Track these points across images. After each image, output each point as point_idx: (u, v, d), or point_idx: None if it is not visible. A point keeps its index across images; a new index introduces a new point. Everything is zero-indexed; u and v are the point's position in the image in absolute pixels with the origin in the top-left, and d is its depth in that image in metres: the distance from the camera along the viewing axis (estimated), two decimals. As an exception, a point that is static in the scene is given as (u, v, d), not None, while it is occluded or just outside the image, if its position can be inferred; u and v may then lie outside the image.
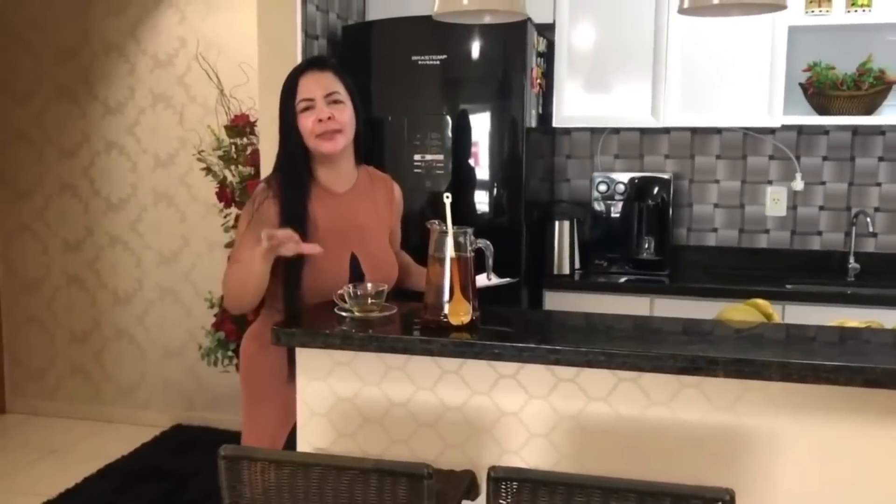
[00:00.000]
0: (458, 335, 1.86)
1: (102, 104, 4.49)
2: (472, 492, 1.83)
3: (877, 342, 1.87)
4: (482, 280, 2.01)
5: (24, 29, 4.53)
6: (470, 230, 1.94)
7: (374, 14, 3.70)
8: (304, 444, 1.99)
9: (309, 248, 2.01)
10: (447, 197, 1.99)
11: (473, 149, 3.30)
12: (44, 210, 4.64)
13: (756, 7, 1.70)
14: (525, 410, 1.85)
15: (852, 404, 1.67)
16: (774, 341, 1.92)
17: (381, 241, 2.29)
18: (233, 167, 3.83)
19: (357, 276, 2.16)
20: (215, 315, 3.85)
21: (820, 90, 3.39)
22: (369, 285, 2.03)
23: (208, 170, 3.82)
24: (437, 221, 1.97)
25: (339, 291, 2.03)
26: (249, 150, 3.83)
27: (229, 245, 3.85)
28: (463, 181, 3.30)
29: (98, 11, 4.42)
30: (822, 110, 3.44)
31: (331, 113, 2.12)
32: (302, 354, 1.98)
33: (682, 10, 1.77)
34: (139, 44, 4.39)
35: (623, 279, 3.50)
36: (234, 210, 3.84)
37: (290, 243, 1.97)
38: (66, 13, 4.46)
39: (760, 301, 2.10)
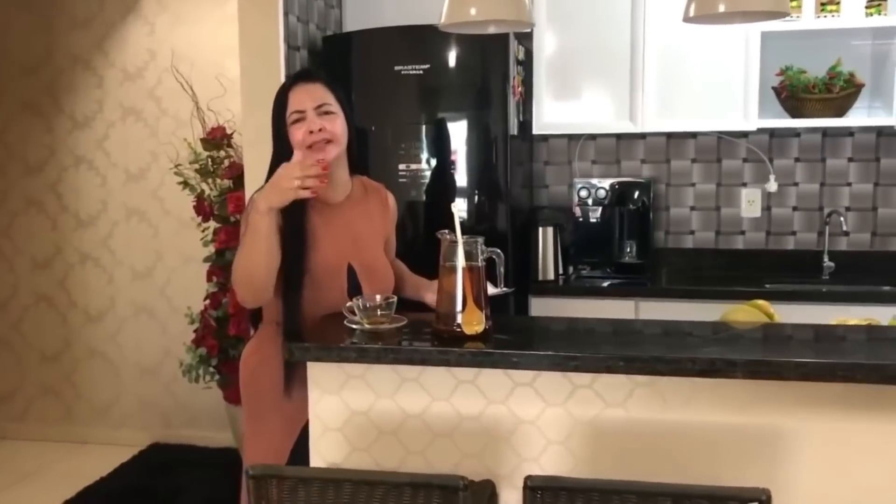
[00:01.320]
0: (473, 345, 1.86)
1: (69, 118, 4.40)
2: (493, 501, 1.83)
3: (881, 339, 1.92)
4: (490, 290, 2.01)
5: (-16, 43, 4.42)
6: (480, 239, 1.94)
7: (351, 25, 3.69)
8: (318, 460, 1.97)
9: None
10: (455, 206, 2.00)
11: (457, 157, 3.31)
12: (8, 227, 4.52)
13: (759, 14, 1.74)
14: (542, 418, 1.86)
15: (868, 401, 1.71)
16: (785, 341, 1.95)
17: (377, 252, 2.29)
18: (210, 180, 3.78)
19: (354, 287, 2.15)
20: (195, 331, 3.79)
21: (793, 94, 3.47)
22: (378, 297, 2.02)
23: (185, 184, 3.77)
24: (447, 231, 1.97)
25: (348, 304, 2.02)
26: (227, 162, 3.78)
27: (207, 259, 3.80)
28: (447, 189, 3.31)
29: (62, 25, 4.34)
30: (795, 113, 3.52)
31: (322, 124, 2.12)
32: (314, 368, 1.96)
33: (686, 19, 1.80)
34: (107, 56, 4.32)
35: (607, 283, 3.54)
36: (212, 224, 3.79)
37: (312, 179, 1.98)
38: (28, 28, 4.37)
39: (761, 301, 2.15)
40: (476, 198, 3.30)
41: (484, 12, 1.81)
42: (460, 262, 1.91)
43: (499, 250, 1.96)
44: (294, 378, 2.07)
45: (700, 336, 1.95)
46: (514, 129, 3.34)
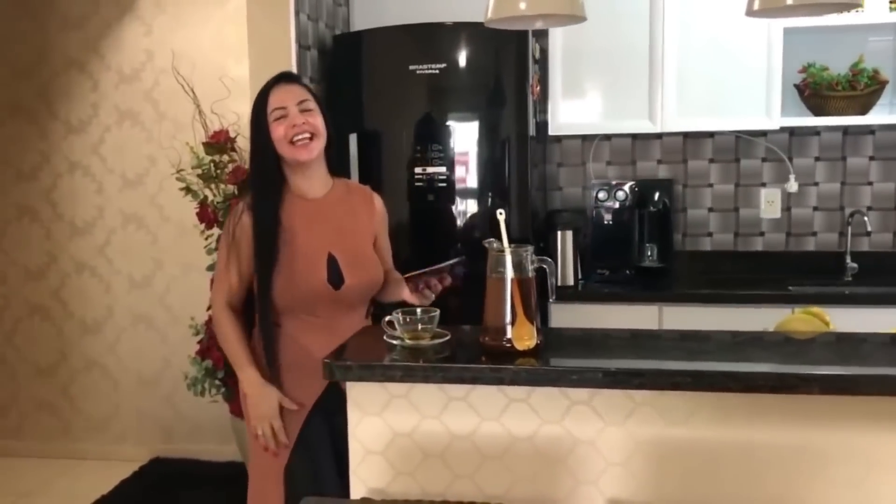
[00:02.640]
0: (526, 361, 1.75)
1: (63, 123, 4.23)
2: (549, 528, 1.72)
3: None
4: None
5: (-28, 47, 4.26)
6: (530, 248, 1.83)
7: (359, 23, 3.57)
8: (359, 486, 1.85)
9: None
10: (500, 213, 1.89)
11: (475, 159, 3.20)
12: (1, 237, 4.36)
13: (829, 7, 1.65)
14: (601, 438, 1.75)
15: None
16: (858, 352, 1.85)
17: (362, 242, 2.28)
18: (213, 186, 3.64)
19: (335, 275, 2.17)
20: (199, 342, 3.65)
21: (816, 91, 3.40)
22: (419, 311, 1.91)
23: (188, 189, 3.63)
24: (492, 240, 1.86)
25: (387, 318, 1.90)
26: (231, 167, 3.65)
27: (211, 267, 3.66)
28: (466, 193, 3.20)
29: (55, 26, 4.18)
30: (818, 111, 3.44)
31: (304, 119, 2.14)
32: (353, 389, 1.84)
33: (749, 13, 1.70)
34: (102, 58, 4.16)
35: (628, 288, 3.44)
36: (216, 231, 3.65)
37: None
38: (19, 29, 4.20)
39: (816, 309, 2.05)
40: (496, 201, 3.19)
41: (534, 6, 1.69)
42: (509, 272, 1.80)
43: (549, 259, 1.85)
44: (274, 364, 2.19)
45: (768, 349, 1.84)
46: (532, 129, 3.23)
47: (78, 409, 4.41)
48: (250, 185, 2.25)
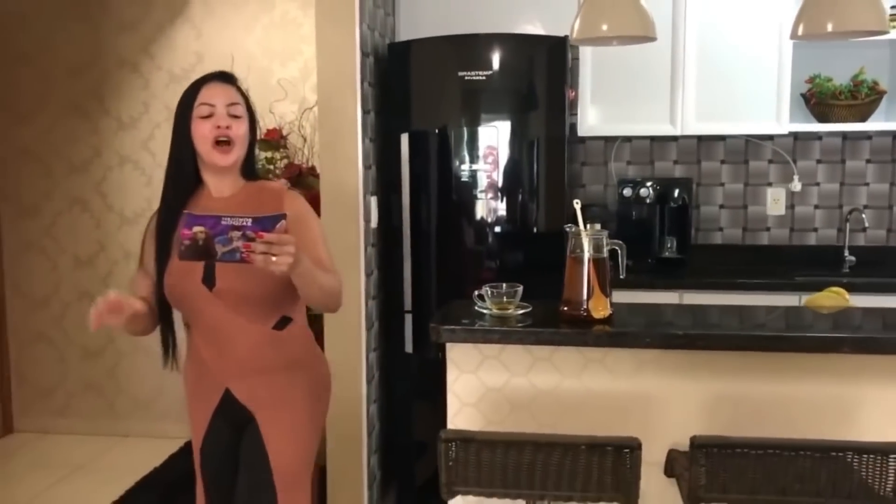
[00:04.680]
0: (602, 327, 2.07)
1: (115, 119, 4.50)
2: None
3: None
4: None
5: (30, 48, 4.50)
6: (605, 232, 2.15)
7: (404, 32, 3.87)
8: (456, 433, 2.16)
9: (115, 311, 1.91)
10: (577, 203, 2.21)
11: (515, 158, 3.51)
12: (51, 227, 4.61)
13: (862, 32, 1.98)
14: (667, 392, 2.08)
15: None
16: (878, 323, 2.19)
17: None
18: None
19: (210, 275, 2.02)
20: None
21: (821, 100, 3.75)
22: (504, 285, 2.23)
23: (243, 183, 3.91)
24: (571, 225, 2.18)
25: (477, 292, 2.22)
26: (284, 163, 3.94)
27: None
28: (508, 189, 3.51)
29: (110, 28, 4.44)
30: (822, 118, 3.79)
31: (229, 123, 2.05)
32: (453, 350, 2.15)
33: (794, 37, 2.03)
34: (153, 59, 4.43)
35: (651, 277, 3.76)
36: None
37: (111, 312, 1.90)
38: (75, 32, 4.46)
39: (838, 288, 2.39)
40: (535, 196, 3.51)
41: (615, 28, 2.01)
42: (587, 252, 2.12)
43: (621, 241, 2.17)
44: (169, 358, 2.15)
45: (803, 318, 2.18)
46: (567, 131, 3.56)
47: (123, 389, 4.67)
48: (168, 175, 2.13)
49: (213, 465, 2.17)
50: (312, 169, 4.12)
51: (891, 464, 1.61)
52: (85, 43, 4.47)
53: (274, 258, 1.78)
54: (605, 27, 2.02)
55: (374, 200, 3.48)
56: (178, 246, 1.86)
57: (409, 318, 3.55)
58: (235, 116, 2.06)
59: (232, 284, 2.00)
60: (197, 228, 1.76)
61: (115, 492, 3.87)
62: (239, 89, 2.14)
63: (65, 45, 4.49)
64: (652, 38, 2.10)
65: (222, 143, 2.04)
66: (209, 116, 2.04)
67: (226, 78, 2.14)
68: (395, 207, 3.54)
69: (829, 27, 1.97)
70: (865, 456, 1.61)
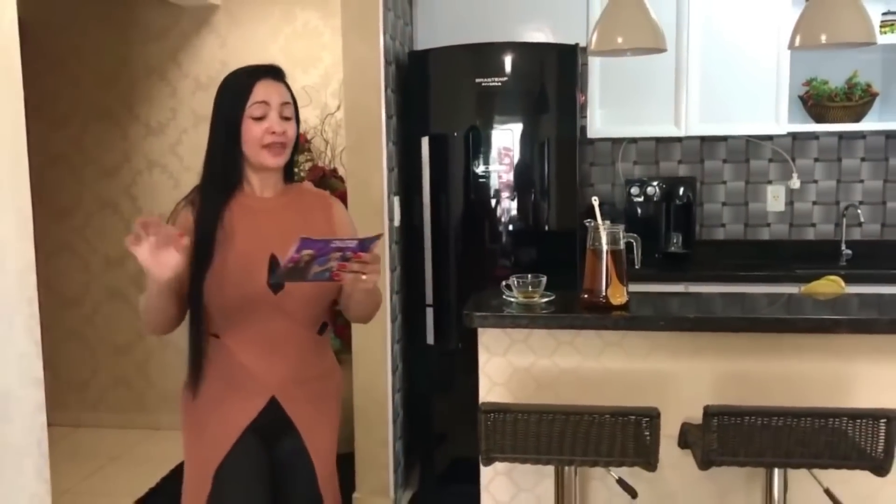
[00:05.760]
0: (620, 313, 2.28)
1: (144, 125, 4.71)
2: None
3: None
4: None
5: (61, 56, 4.71)
6: (621, 227, 2.36)
7: (421, 40, 4.09)
8: (487, 411, 2.37)
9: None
10: (595, 199, 2.42)
11: (530, 159, 3.72)
12: (84, 228, 4.82)
13: (852, 43, 2.20)
14: (678, 371, 2.29)
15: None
16: (872, 307, 2.40)
17: None
18: (292, 182, 4.14)
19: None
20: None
21: (818, 102, 3.96)
22: (529, 276, 2.44)
23: (270, 185, 4.12)
24: (590, 220, 2.39)
25: (505, 282, 2.43)
26: (308, 165, 4.15)
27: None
28: (523, 188, 3.73)
29: (138, 37, 4.65)
30: (818, 119, 4.01)
31: (284, 128, 1.94)
32: (484, 334, 2.37)
33: (791, 47, 2.25)
34: (180, 67, 4.65)
35: (658, 270, 3.98)
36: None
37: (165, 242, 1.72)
38: (105, 40, 4.67)
39: (834, 276, 2.60)
40: (548, 195, 3.72)
41: (630, 41, 2.23)
42: (605, 245, 2.33)
43: (636, 235, 2.38)
44: (199, 375, 1.98)
45: (802, 303, 2.39)
46: (578, 133, 3.77)
47: (152, 383, 4.88)
48: (204, 176, 1.99)
49: (230, 487, 1.96)
50: (335, 171, 4.34)
51: (881, 427, 1.82)
52: (114, 51, 4.68)
53: (364, 277, 1.76)
54: (620, 40, 2.23)
55: (396, 200, 3.69)
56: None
57: (430, 312, 3.76)
58: (287, 118, 1.95)
59: (300, 288, 1.88)
60: (306, 252, 1.66)
61: (151, 480, 4.08)
62: (288, 87, 2.01)
63: (94, 53, 4.70)
64: (663, 50, 2.32)
65: (272, 145, 1.92)
66: (262, 117, 1.91)
67: (278, 74, 2.00)
68: (416, 207, 3.75)
69: (823, 39, 2.18)
70: (859, 421, 1.82)
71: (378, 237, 1.75)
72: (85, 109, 4.75)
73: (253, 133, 1.92)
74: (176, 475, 4.14)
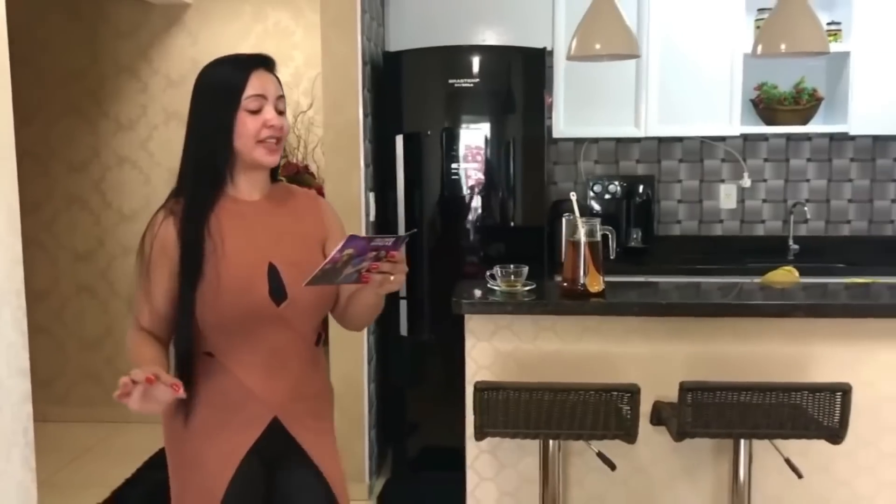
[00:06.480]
0: (598, 300, 2.46)
1: (114, 121, 4.75)
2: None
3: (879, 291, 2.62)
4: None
5: (30, 52, 4.71)
6: (597, 220, 2.53)
7: (393, 42, 4.22)
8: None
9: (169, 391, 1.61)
10: (573, 195, 2.59)
11: (501, 157, 3.89)
12: (52, 223, 4.84)
13: (808, 53, 2.41)
14: (651, 353, 2.47)
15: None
16: (823, 294, 2.62)
17: (307, 251, 1.86)
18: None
19: (277, 287, 1.79)
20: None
21: (768, 105, 4.21)
22: (512, 266, 2.60)
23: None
24: (568, 214, 2.56)
25: (489, 272, 2.58)
26: (283, 161, 4.24)
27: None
28: (494, 186, 3.89)
29: (108, 34, 4.69)
30: (768, 121, 4.25)
31: (281, 122, 1.81)
32: (471, 321, 2.52)
33: (754, 55, 2.45)
34: (151, 64, 4.70)
35: (619, 264, 4.16)
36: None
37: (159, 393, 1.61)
38: (73, 37, 4.70)
39: (789, 267, 2.82)
40: (511, 192, 3.89)
41: (606, 48, 2.40)
42: (583, 237, 2.50)
43: (611, 227, 2.56)
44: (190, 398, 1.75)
45: (763, 291, 2.60)
46: (545, 133, 3.95)
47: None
48: (186, 177, 1.81)
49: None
50: (307, 167, 4.45)
51: (837, 399, 2.02)
52: (83, 48, 4.71)
53: (392, 277, 1.68)
54: (598, 46, 2.40)
55: (372, 196, 3.82)
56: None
57: (403, 304, 3.90)
58: (281, 112, 1.82)
59: (305, 296, 1.77)
60: (347, 251, 1.56)
61: (127, 471, 4.13)
62: (279, 79, 1.87)
63: (64, 50, 4.72)
64: (636, 56, 2.50)
65: (268, 140, 1.77)
66: (258, 111, 1.76)
67: (270, 65, 1.85)
68: (390, 203, 3.89)
69: (783, 48, 2.39)
70: (818, 394, 2.02)
71: (410, 235, 1.70)
72: (52, 106, 4.76)
73: (248, 127, 1.75)
74: (152, 465, 4.21)
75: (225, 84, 1.79)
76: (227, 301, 1.74)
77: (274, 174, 1.90)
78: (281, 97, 1.82)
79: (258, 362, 1.79)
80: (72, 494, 3.93)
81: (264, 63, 1.83)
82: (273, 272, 1.78)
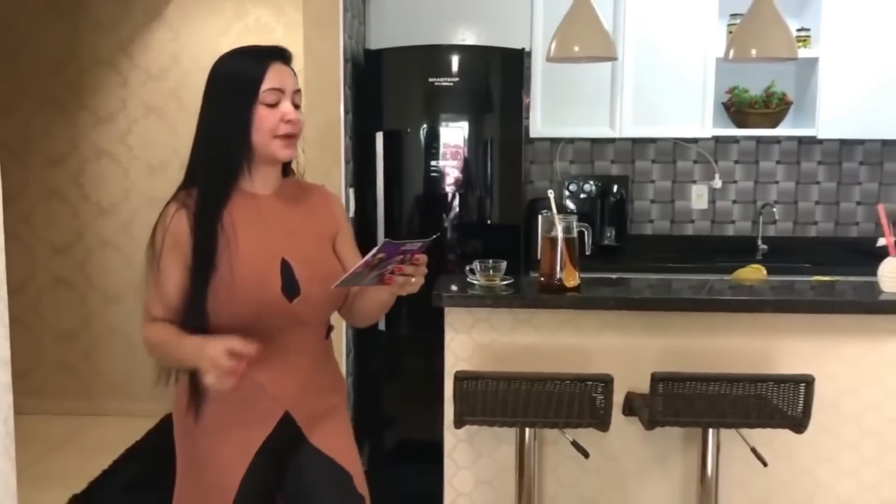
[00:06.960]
0: (574, 294, 2.54)
1: (93, 114, 4.76)
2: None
3: (843, 289, 2.73)
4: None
5: (7, 45, 4.71)
6: (574, 217, 2.61)
7: (374, 39, 4.29)
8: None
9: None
10: (550, 192, 2.67)
11: (480, 156, 3.96)
12: (29, 216, 4.83)
13: (777, 58, 2.50)
14: (625, 346, 2.56)
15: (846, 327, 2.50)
16: (790, 290, 2.72)
17: (319, 247, 1.88)
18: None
19: (290, 284, 1.78)
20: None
21: (739, 108, 4.32)
22: (490, 261, 2.67)
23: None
24: (545, 211, 2.63)
25: (469, 267, 2.65)
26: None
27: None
28: (472, 183, 3.96)
29: (88, 28, 4.70)
30: (739, 124, 4.37)
31: (297, 116, 1.80)
32: (450, 314, 2.58)
33: (726, 59, 2.54)
34: (131, 58, 4.71)
35: (593, 261, 4.25)
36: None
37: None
38: (53, 29, 4.70)
39: (757, 266, 2.92)
40: (489, 190, 3.96)
41: (585, 50, 2.48)
42: (560, 233, 2.58)
43: (587, 224, 2.64)
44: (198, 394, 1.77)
45: (733, 288, 2.69)
46: (523, 132, 4.03)
47: (98, 371, 4.93)
48: (198, 170, 1.80)
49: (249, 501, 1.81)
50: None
51: (801, 390, 2.12)
52: (62, 41, 4.71)
53: (413, 280, 1.70)
54: (577, 48, 2.48)
55: (352, 192, 3.88)
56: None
57: (381, 299, 3.95)
58: (297, 106, 1.81)
59: (317, 291, 1.78)
60: (379, 255, 1.58)
61: (103, 463, 4.15)
62: (294, 72, 1.85)
63: (42, 43, 4.72)
64: (614, 58, 2.58)
65: (286, 135, 1.77)
66: (275, 104, 1.75)
67: (287, 58, 1.83)
68: (369, 200, 3.94)
69: (753, 53, 2.48)
70: (783, 385, 2.11)
71: (433, 238, 1.70)
72: (30, 98, 4.76)
73: (266, 121, 1.74)
74: (128, 458, 4.24)
75: (242, 76, 1.75)
76: (240, 297, 1.72)
77: (286, 169, 1.90)
78: (298, 91, 1.81)
79: (271, 358, 1.76)
80: (47, 486, 3.94)
81: (282, 56, 1.81)
82: (286, 268, 1.77)
